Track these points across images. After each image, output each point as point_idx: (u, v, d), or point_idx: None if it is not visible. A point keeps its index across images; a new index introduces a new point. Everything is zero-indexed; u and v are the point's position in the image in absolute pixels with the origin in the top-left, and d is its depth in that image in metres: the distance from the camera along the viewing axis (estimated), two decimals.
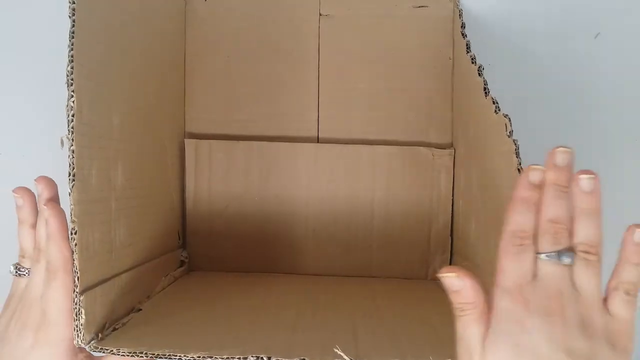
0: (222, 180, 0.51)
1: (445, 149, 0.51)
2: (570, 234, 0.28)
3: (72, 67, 0.30)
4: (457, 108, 0.50)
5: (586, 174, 0.28)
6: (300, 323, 0.38)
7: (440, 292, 0.45)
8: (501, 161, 0.35)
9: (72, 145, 0.31)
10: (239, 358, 0.31)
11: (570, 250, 0.27)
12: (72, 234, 0.31)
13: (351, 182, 0.51)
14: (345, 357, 0.31)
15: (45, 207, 0.32)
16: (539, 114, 0.53)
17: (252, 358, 0.31)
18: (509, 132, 0.33)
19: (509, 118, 0.33)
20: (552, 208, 0.28)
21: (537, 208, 0.28)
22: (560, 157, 0.28)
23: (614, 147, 0.53)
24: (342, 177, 0.51)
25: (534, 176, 0.28)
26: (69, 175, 0.31)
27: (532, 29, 0.53)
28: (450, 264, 0.51)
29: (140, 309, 0.39)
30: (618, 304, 0.27)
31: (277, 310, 0.41)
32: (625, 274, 0.28)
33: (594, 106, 0.53)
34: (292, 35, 0.52)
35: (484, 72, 0.39)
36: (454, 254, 0.51)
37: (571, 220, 0.28)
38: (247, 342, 0.33)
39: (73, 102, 0.30)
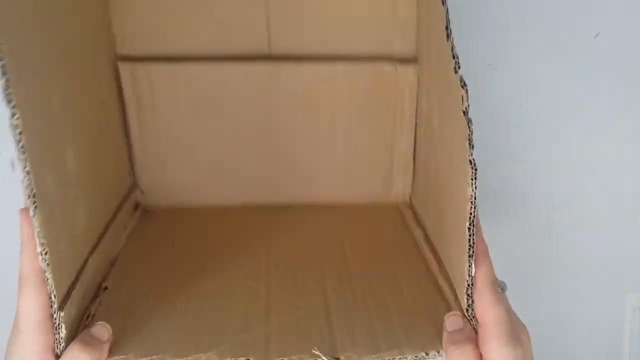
0: (168, 110, 0.47)
1: (409, 62, 0.47)
2: None
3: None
4: (422, 18, 0.46)
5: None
6: (273, 299, 0.38)
7: (401, 220, 0.49)
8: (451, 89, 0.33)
9: (26, 166, 0.26)
10: None
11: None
12: (42, 254, 0.28)
13: (310, 105, 0.48)
14: (324, 358, 0.33)
15: (18, 214, 0.29)
16: (538, 115, 0.52)
17: None
18: (465, 109, 0.30)
19: (466, 89, 0.31)
20: None
21: None
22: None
23: (614, 147, 0.52)
24: (300, 99, 0.48)
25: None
26: (29, 197, 0.27)
27: (532, 29, 0.50)
28: (412, 186, 0.51)
29: (107, 287, 0.38)
30: None
31: (247, 288, 0.40)
32: None
33: (594, 106, 0.52)
34: None
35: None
36: (415, 175, 0.51)
37: None
38: (223, 340, 0.33)
39: (17, 119, 0.25)
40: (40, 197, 0.27)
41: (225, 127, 0.48)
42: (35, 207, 0.27)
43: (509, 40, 0.50)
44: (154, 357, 0.32)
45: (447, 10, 0.32)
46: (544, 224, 0.53)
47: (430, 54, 0.42)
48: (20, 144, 0.26)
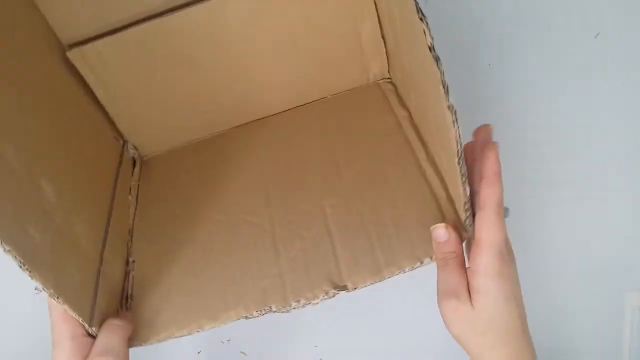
0: (128, 73, 0.46)
1: None
2: None
3: None
4: None
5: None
6: (277, 237, 0.41)
7: (384, 102, 0.49)
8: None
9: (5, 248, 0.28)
10: (245, 317, 0.37)
11: None
12: (55, 299, 0.32)
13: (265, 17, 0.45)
14: (336, 292, 0.37)
15: None
16: (538, 115, 0.49)
17: (255, 314, 0.37)
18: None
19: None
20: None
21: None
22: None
23: (614, 148, 0.49)
24: (255, 14, 0.45)
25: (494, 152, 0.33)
26: (22, 266, 0.29)
27: (532, 29, 0.49)
28: (388, 64, 0.50)
29: (134, 260, 0.42)
30: None
31: (253, 226, 0.43)
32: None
33: (594, 106, 0.50)
34: None
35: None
36: (389, 55, 0.49)
37: None
38: (245, 292, 0.38)
39: None
40: (31, 261, 0.30)
41: (185, 68, 0.47)
42: (30, 272, 0.30)
43: (509, 40, 0.49)
44: (192, 325, 0.37)
45: None
46: (543, 224, 0.52)
47: None
48: None
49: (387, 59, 0.49)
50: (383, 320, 0.54)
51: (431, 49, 0.29)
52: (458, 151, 0.31)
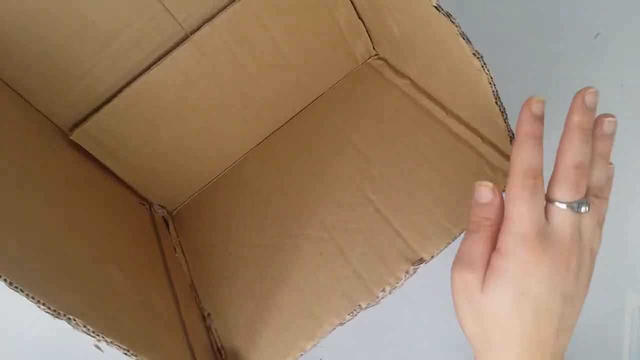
0: (133, 136, 0.45)
1: None
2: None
3: None
4: None
5: (608, 117, 0.28)
6: (340, 241, 0.41)
7: (378, 75, 0.48)
8: None
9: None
10: (340, 324, 0.37)
11: (586, 197, 0.27)
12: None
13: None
14: (415, 267, 0.37)
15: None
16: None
17: (348, 317, 0.37)
18: None
19: None
20: (576, 153, 0.27)
21: (541, 143, 0.27)
22: (590, 99, 0.26)
23: (614, 148, 0.46)
24: (234, 38, 0.44)
25: (538, 108, 0.27)
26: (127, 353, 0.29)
27: (532, 29, 0.49)
28: (371, 42, 0.50)
29: (209, 314, 0.42)
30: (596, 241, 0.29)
31: (312, 240, 0.42)
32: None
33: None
34: None
35: None
36: (370, 33, 0.49)
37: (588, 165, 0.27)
38: (329, 301, 0.38)
39: None
40: (133, 345, 0.29)
41: (185, 114, 0.47)
42: (137, 356, 0.29)
43: (509, 39, 0.49)
44: (293, 351, 0.37)
45: None
46: None
47: None
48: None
49: (370, 37, 0.50)
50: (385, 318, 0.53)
51: (438, 8, 0.29)
52: (494, 92, 0.31)
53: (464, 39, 0.29)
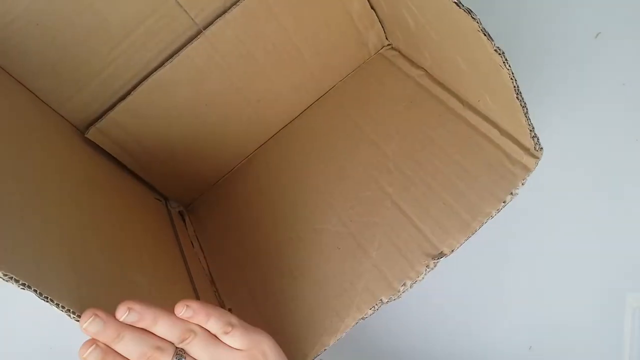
0: (147, 135, 0.45)
1: None
2: None
3: None
4: None
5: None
6: (359, 236, 0.41)
7: (391, 66, 0.48)
8: None
9: None
10: (362, 318, 0.37)
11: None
12: None
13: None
14: (436, 261, 0.37)
15: None
16: (538, 116, 0.44)
17: (370, 311, 0.37)
18: None
19: None
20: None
21: None
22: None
23: (614, 148, 0.49)
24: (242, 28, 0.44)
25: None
26: None
27: (533, 29, 0.50)
28: (384, 32, 0.50)
29: (230, 309, 0.43)
30: None
31: (331, 234, 0.43)
32: None
33: (595, 107, 0.49)
34: None
35: None
36: (384, 23, 0.49)
37: None
38: (350, 296, 0.38)
39: None
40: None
41: (197, 110, 0.47)
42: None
43: (508, 40, 0.44)
44: (317, 346, 0.37)
45: None
46: (544, 224, 0.52)
47: None
48: None
49: (383, 27, 0.49)
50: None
51: (458, 4, 0.29)
52: (515, 87, 0.31)
53: (485, 35, 0.29)
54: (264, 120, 0.50)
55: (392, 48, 0.50)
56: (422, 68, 0.46)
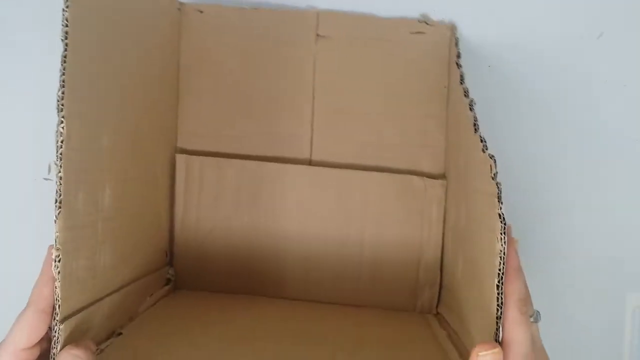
0: (211, 198, 0.50)
1: (437, 179, 0.50)
2: None
3: (62, 92, 0.29)
4: (451, 138, 0.50)
5: None
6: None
7: (427, 327, 0.46)
8: (484, 202, 0.34)
9: (59, 172, 0.30)
10: None
11: None
12: (56, 261, 0.30)
13: (342, 208, 0.50)
14: None
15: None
16: (540, 115, 0.53)
17: None
18: (494, 175, 0.32)
19: (495, 159, 0.32)
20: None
21: None
22: None
23: (615, 148, 0.52)
24: (333, 201, 0.50)
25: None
26: (56, 202, 0.30)
27: (534, 29, 0.52)
28: (438, 298, 0.50)
29: (121, 333, 0.38)
30: None
31: (258, 342, 0.40)
32: None
33: (595, 107, 0.53)
34: (288, 54, 0.51)
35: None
36: (442, 287, 0.50)
37: None
38: None
39: (63, 128, 0.30)
40: (67, 207, 0.30)
41: (262, 221, 0.51)
42: (59, 213, 0.30)
43: (509, 40, 0.52)
44: None
45: (476, 117, 0.37)
46: (544, 224, 0.53)
47: (458, 168, 0.45)
48: (60, 151, 0.29)
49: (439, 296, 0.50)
50: None
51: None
52: None
53: (501, 235, 0.31)
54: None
55: (437, 316, 0.50)
56: (448, 330, 0.44)
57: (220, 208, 0.51)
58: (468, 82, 0.42)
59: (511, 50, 0.52)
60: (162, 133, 0.49)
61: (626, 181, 0.53)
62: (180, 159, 0.50)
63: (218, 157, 0.51)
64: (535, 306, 0.30)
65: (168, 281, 0.50)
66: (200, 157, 0.51)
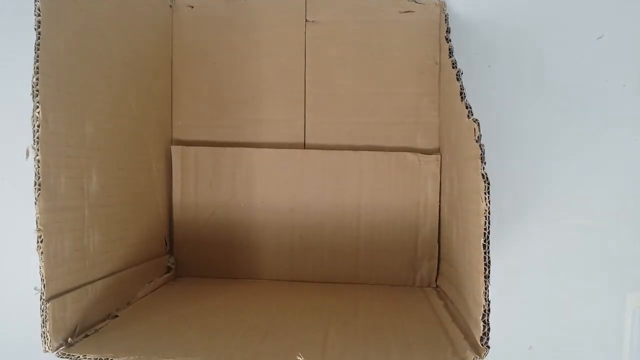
0: (208, 187, 0.51)
1: (431, 154, 0.50)
2: None
3: (37, 79, 0.31)
4: (444, 113, 0.49)
5: None
6: (273, 329, 0.37)
7: (426, 301, 0.45)
8: (470, 166, 0.34)
9: (37, 155, 0.31)
10: None
11: None
12: (38, 242, 0.31)
13: (338, 188, 0.51)
14: None
15: None
16: (540, 116, 0.52)
17: None
18: (477, 137, 0.32)
19: (478, 123, 0.33)
20: None
21: None
22: None
23: (615, 148, 0.52)
24: (328, 183, 0.51)
25: None
26: (35, 184, 0.31)
27: (534, 30, 0.52)
28: (437, 270, 0.50)
29: (117, 316, 0.39)
30: None
31: (254, 317, 0.40)
32: None
33: (596, 107, 0.52)
34: (278, 41, 0.52)
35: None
36: (440, 260, 0.50)
37: None
38: (213, 349, 0.33)
39: (38, 112, 0.31)
40: (47, 189, 0.31)
41: (259, 205, 0.51)
42: (39, 195, 0.31)
43: (509, 40, 0.52)
44: None
45: (462, 86, 0.37)
46: (544, 224, 0.52)
47: (450, 140, 0.45)
48: (37, 135, 0.31)
49: (438, 267, 0.50)
50: None
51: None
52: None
53: (485, 195, 0.31)
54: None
55: (437, 289, 0.50)
56: (447, 304, 0.44)
57: (217, 195, 0.51)
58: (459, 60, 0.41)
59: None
60: (157, 124, 0.50)
61: (626, 181, 0.52)
62: (176, 150, 0.51)
63: (213, 146, 0.52)
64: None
65: (169, 269, 0.51)
66: (196, 147, 0.52)
